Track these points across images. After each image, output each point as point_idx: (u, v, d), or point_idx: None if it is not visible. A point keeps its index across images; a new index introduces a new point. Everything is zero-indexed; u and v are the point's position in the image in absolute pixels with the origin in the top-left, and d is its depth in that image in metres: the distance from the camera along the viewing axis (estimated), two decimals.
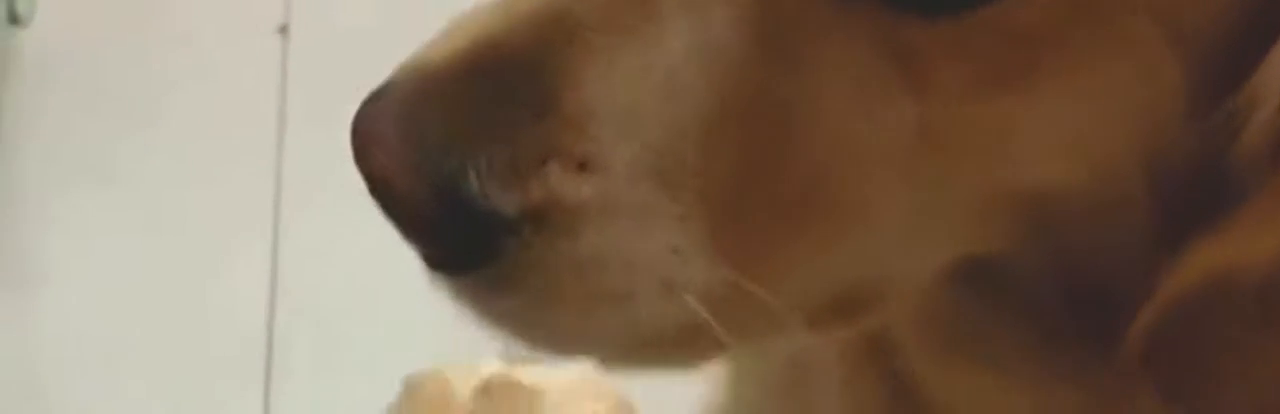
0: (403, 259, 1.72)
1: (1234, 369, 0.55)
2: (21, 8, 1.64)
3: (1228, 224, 0.52)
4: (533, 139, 0.51)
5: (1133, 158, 0.54)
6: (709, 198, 0.52)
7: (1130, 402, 0.57)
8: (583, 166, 0.51)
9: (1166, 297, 0.53)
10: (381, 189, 0.53)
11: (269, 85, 1.68)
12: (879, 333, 0.65)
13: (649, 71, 0.51)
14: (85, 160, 1.64)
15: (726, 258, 0.53)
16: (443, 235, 0.53)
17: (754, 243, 0.54)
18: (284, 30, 1.71)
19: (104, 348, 1.52)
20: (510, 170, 0.51)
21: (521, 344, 0.57)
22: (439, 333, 1.51)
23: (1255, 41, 0.51)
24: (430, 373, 0.69)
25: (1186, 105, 0.52)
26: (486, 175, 0.51)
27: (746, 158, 0.52)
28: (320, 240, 1.58)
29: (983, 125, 0.53)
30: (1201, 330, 0.54)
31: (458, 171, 0.51)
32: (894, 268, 0.57)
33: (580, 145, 0.51)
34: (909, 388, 0.66)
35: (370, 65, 0.57)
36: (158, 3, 1.75)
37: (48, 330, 1.54)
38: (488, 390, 0.67)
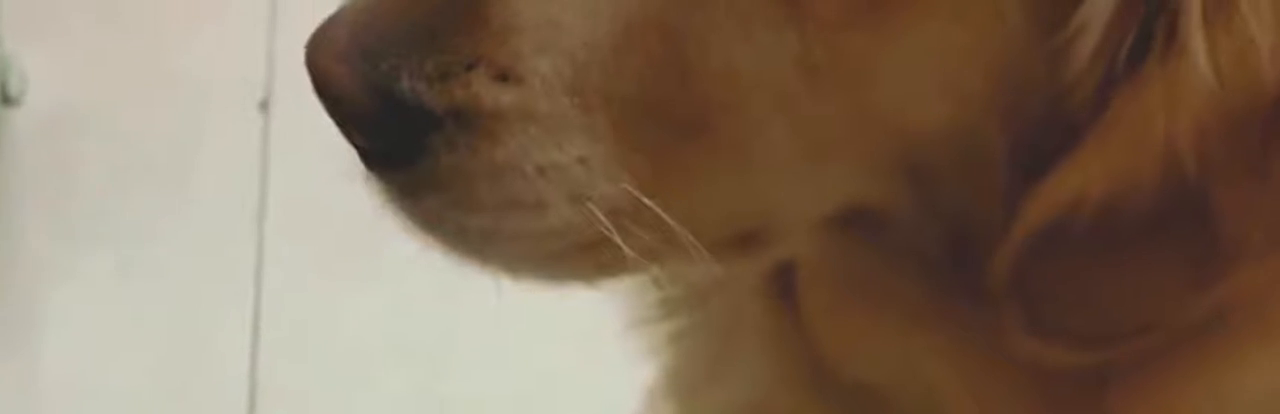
0: (378, 318, 1.73)
1: (1081, 295, 0.61)
2: (13, 89, 1.66)
3: (1066, 160, 0.57)
4: (461, 47, 0.57)
5: (984, 94, 0.59)
6: (616, 116, 0.58)
7: (1004, 336, 0.62)
8: (504, 76, 0.57)
9: (1018, 233, 0.59)
10: (325, 85, 0.58)
11: (251, 159, 1.70)
12: (790, 296, 0.70)
13: None
14: (80, 229, 1.66)
15: (632, 175, 0.58)
16: (376, 129, 0.58)
17: (655, 163, 0.59)
18: (265, 106, 1.73)
19: (99, 400, 1.54)
20: (438, 73, 0.57)
21: (442, 248, 0.62)
22: (416, 393, 1.54)
23: None
24: None
25: (1031, 48, 0.57)
26: (417, 76, 0.57)
27: (650, 82, 0.58)
28: (300, 304, 1.60)
29: (854, 58, 0.58)
30: (1050, 262, 0.59)
31: (392, 71, 0.57)
32: (786, 206, 0.63)
33: (503, 56, 0.57)
34: (821, 356, 0.71)
35: None
36: (143, 79, 1.77)
37: (48, 385, 1.56)
38: None
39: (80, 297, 1.61)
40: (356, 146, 0.60)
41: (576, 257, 0.61)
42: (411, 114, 0.57)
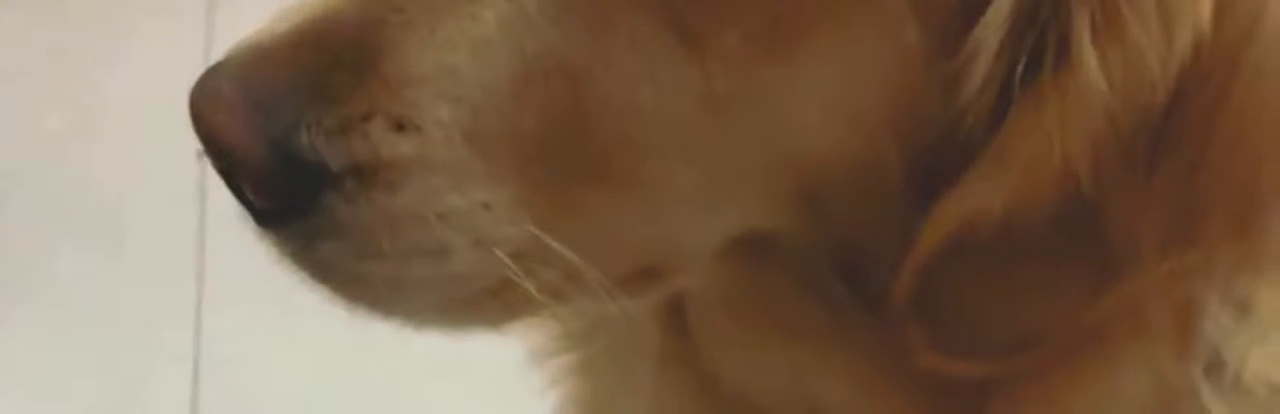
0: (317, 367, 1.70)
1: (982, 311, 0.61)
2: None
3: (965, 180, 0.58)
4: (357, 100, 0.56)
5: (884, 119, 0.59)
6: (518, 159, 0.57)
7: (901, 352, 0.63)
8: (401, 126, 0.56)
9: (920, 251, 0.59)
10: (218, 145, 0.56)
11: (189, 207, 1.70)
12: (682, 322, 0.70)
13: (464, 41, 0.56)
14: (15, 281, 1.66)
15: (533, 216, 0.57)
16: (273, 186, 0.56)
17: (557, 201, 0.58)
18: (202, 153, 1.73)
19: None
20: (336, 127, 0.55)
21: (343, 300, 0.60)
22: None
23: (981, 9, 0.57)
24: None
25: (928, 73, 0.58)
26: (315, 130, 0.55)
27: (551, 123, 0.57)
28: (240, 350, 1.60)
29: (755, 89, 0.58)
30: (951, 279, 0.60)
31: (290, 126, 0.55)
32: (686, 237, 0.62)
33: (399, 106, 0.56)
34: (712, 379, 0.71)
35: None
36: (75, 155, 1.78)
37: None
38: None
39: (16, 349, 1.61)
40: (245, 203, 0.58)
41: (484, 301, 0.60)
42: (308, 169, 0.56)
